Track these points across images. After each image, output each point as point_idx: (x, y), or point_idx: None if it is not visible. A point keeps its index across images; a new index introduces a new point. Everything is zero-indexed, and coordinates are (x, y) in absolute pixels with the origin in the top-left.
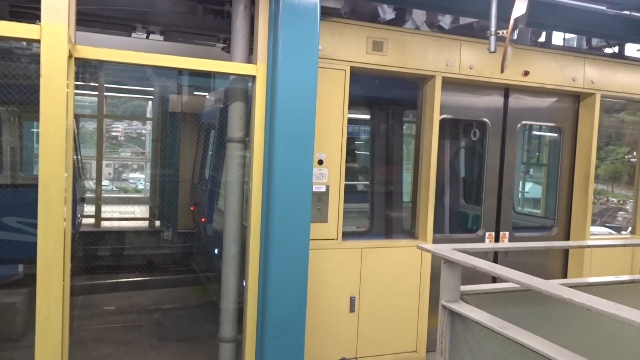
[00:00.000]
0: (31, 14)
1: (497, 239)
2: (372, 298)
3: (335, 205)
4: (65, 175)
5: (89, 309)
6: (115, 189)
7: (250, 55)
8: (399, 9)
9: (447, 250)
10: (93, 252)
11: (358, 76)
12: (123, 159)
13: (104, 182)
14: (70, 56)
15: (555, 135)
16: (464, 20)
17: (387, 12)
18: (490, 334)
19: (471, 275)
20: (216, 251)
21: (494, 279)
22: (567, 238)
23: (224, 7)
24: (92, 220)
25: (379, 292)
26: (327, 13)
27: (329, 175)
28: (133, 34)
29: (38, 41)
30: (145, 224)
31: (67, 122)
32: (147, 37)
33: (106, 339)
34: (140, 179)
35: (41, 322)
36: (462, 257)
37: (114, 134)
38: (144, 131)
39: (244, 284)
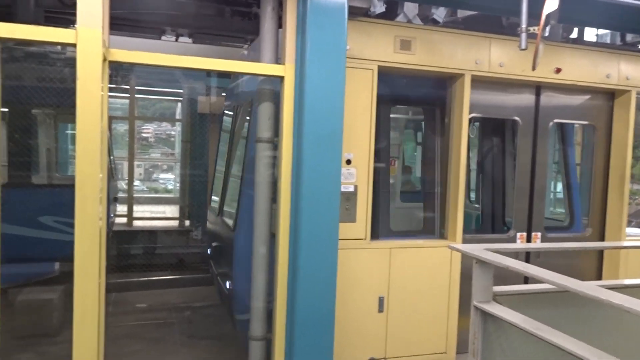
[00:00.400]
0: (65, 19)
1: (528, 240)
2: (401, 298)
3: (364, 205)
4: (101, 176)
5: (121, 306)
6: (145, 189)
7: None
8: (391, 3)
9: (479, 250)
10: (125, 250)
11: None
12: (153, 159)
13: (135, 183)
14: (104, 59)
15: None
16: (461, 14)
17: (377, 6)
18: (524, 335)
19: (500, 276)
20: (209, 251)
21: (526, 280)
22: (602, 239)
23: (251, 9)
24: (124, 220)
25: (408, 293)
26: (354, 13)
27: (357, 175)
28: (162, 37)
29: (74, 45)
30: (176, 223)
31: (101, 124)
32: (176, 40)
33: (138, 336)
34: (170, 179)
35: (78, 318)
36: (494, 258)
37: (144, 135)
38: (173, 132)
39: (274, 283)
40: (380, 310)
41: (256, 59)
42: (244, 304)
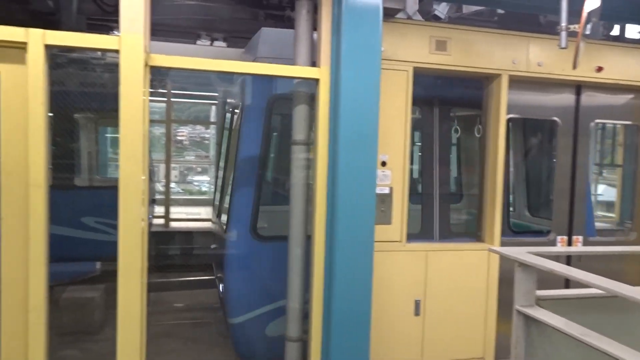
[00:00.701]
0: (104, 25)
1: (569, 243)
2: (437, 302)
3: (399, 207)
4: (143, 178)
5: (159, 305)
6: (181, 191)
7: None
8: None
9: (521, 253)
10: (163, 251)
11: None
12: (188, 162)
13: (171, 185)
14: (145, 64)
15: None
16: (467, 9)
17: (411, 7)
18: (570, 341)
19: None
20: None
21: (567, 285)
22: None
23: (284, 12)
24: (161, 221)
25: (445, 296)
26: (388, 14)
27: (393, 177)
28: (198, 42)
29: (117, 51)
30: (211, 224)
31: (143, 128)
32: (211, 44)
33: (175, 335)
34: (204, 182)
35: (123, 317)
36: (538, 261)
37: (179, 138)
38: (207, 135)
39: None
40: (417, 313)
41: (248, 58)
42: (236, 307)
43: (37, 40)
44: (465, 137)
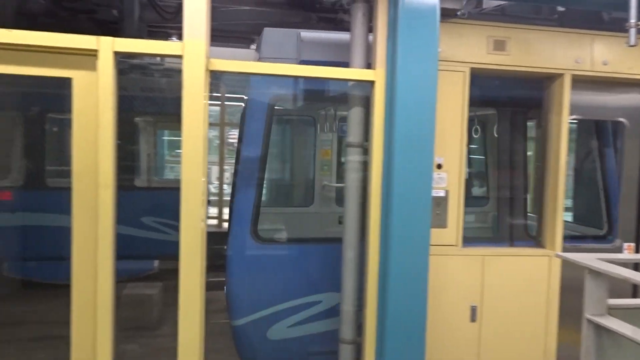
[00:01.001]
0: (163, 32)
1: (637, 250)
2: (495, 308)
3: (455, 210)
4: (203, 180)
5: (213, 304)
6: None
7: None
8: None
9: (591, 260)
10: (218, 251)
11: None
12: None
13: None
14: (206, 69)
15: None
16: (487, 4)
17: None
18: None
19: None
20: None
21: (635, 294)
22: None
23: (337, 15)
24: (215, 222)
25: (503, 302)
26: (445, 14)
27: (448, 179)
28: (251, 46)
29: (180, 56)
30: None
31: (203, 131)
32: None
33: (225, 334)
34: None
35: (183, 314)
36: (611, 268)
37: (230, 140)
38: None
39: (364, 287)
40: (473, 319)
41: (255, 59)
42: (238, 310)
43: (107, 47)
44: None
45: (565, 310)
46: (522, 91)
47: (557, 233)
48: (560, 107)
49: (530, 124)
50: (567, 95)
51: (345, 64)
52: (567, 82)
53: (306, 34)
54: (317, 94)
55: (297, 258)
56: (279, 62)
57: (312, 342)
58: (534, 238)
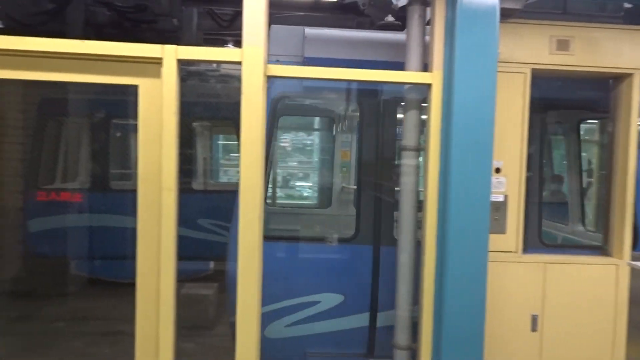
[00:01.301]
0: (219, 39)
1: None
2: (557, 318)
3: (515, 215)
4: (261, 183)
5: None
6: (283, 195)
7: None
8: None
9: None
10: None
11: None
12: (293, 167)
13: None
14: (264, 75)
15: None
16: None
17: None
18: None
19: None
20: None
21: None
22: None
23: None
24: None
25: (566, 312)
26: (504, 15)
27: (508, 184)
28: None
29: (239, 63)
30: None
31: (261, 136)
32: None
33: None
34: (305, 187)
35: (241, 315)
36: None
37: (282, 144)
38: (309, 142)
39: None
40: (534, 329)
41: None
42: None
43: (171, 55)
44: None
45: (634, 323)
46: (573, 92)
47: (626, 241)
48: (629, 108)
49: (584, 125)
50: (636, 96)
51: (349, 61)
52: (636, 82)
53: (310, 30)
54: (335, 93)
55: (297, 257)
56: (283, 59)
57: (311, 342)
58: (591, 246)
